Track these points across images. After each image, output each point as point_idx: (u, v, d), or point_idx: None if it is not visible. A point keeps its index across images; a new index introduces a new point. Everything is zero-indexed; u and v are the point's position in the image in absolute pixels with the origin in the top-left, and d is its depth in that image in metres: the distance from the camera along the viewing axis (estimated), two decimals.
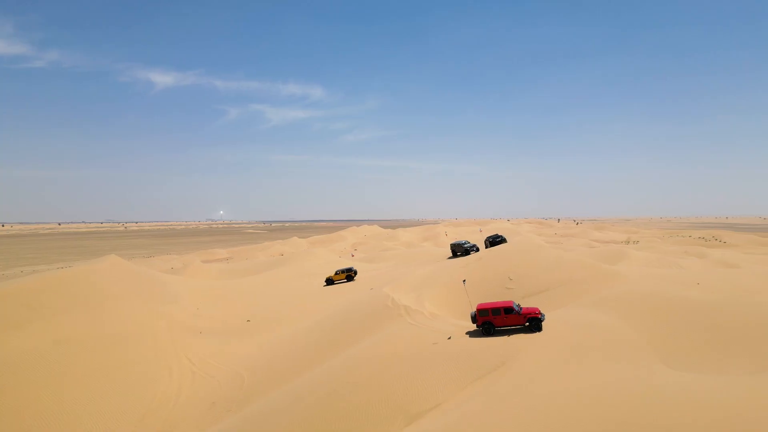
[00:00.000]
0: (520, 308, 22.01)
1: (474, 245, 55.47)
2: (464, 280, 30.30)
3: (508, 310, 21.51)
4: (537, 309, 21.95)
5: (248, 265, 74.45)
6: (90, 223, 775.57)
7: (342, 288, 46.53)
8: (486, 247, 54.36)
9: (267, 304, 41.95)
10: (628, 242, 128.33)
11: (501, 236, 57.09)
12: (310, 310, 36.85)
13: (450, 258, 55.17)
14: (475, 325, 22.20)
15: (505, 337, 20.38)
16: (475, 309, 22.50)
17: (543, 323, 21.55)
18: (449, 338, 21.16)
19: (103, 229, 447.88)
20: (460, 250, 55.75)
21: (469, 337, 21.28)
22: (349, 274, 50.77)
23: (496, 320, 21.50)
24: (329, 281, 50.04)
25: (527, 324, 21.36)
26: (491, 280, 34.19)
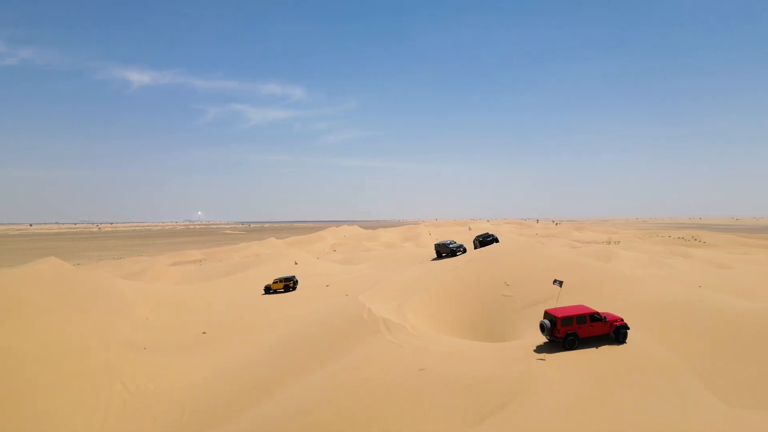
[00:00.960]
0: (605, 316, 18.55)
1: (461, 246, 51.19)
2: (559, 281, 22.30)
3: (594, 317, 18.20)
4: (620, 317, 18.69)
5: (219, 267, 69.87)
6: (63, 224, 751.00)
7: (314, 294, 42.32)
8: (475, 248, 50.13)
9: (229, 312, 38.04)
10: (609, 242, 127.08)
11: (492, 235, 52.20)
12: (276, 321, 32.45)
13: (434, 260, 51.10)
14: (547, 337, 18.54)
15: (507, 362, 16.79)
16: (552, 317, 18.42)
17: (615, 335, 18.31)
18: (421, 369, 16.97)
19: (76, 230, 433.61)
20: (445, 250, 51.54)
21: (461, 360, 17.47)
22: (287, 284, 46.37)
23: (582, 330, 18.06)
24: (267, 289, 46.38)
25: (612, 334, 18.19)
26: (484, 286, 29.34)
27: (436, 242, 55.94)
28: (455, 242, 52.53)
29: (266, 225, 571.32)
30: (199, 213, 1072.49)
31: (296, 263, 57.90)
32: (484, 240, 51.12)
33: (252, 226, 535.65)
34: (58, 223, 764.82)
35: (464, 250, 50.01)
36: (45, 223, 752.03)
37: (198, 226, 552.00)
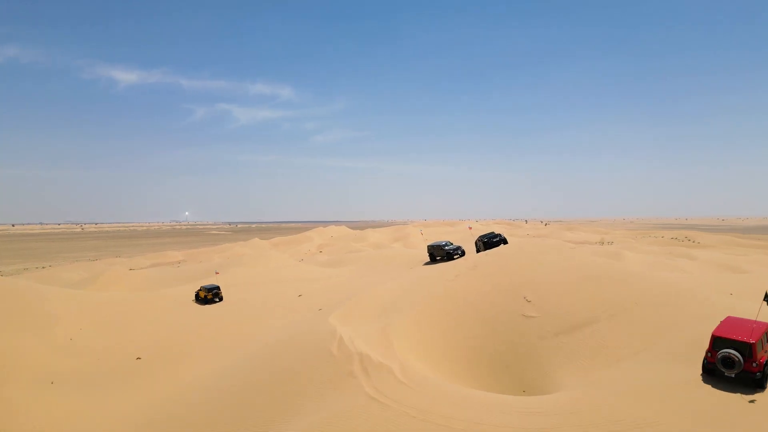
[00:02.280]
0: None
1: (458, 247, 45.25)
2: None
3: None
4: None
5: (191, 270, 65.40)
6: (47, 224, 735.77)
7: (281, 305, 35.90)
8: (478, 250, 43.36)
9: (177, 329, 32.16)
10: (602, 243, 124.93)
11: (500, 235, 43.87)
12: (229, 342, 27.75)
13: (427, 264, 45.32)
14: (730, 373, 12.78)
15: None
16: (739, 343, 12.89)
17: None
18: None
19: (59, 230, 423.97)
20: (440, 253, 45.45)
21: None
22: (206, 295, 41.54)
23: None
24: (197, 297, 42.43)
25: None
26: (496, 303, 22.09)
27: (430, 243, 49.78)
28: (451, 243, 46.78)
29: (254, 226, 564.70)
30: (187, 213, 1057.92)
31: (217, 273, 51.81)
32: (490, 241, 43.17)
33: (239, 226, 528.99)
34: (42, 224, 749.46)
35: (462, 253, 44.56)
36: (29, 224, 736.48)
37: (184, 227, 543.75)
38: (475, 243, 45.68)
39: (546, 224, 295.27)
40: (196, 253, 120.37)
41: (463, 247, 47.06)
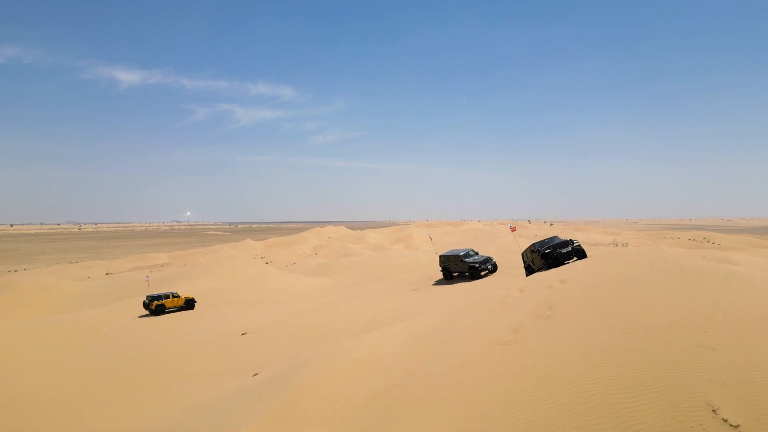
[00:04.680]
0: None
1: (487, 259, 32.83)
2: None
3: None
4: None
5: (158, 278, 56.42)
6: (48, 224, 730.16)
7: (206, 351, 22.29)
8: (530, 270, 26.75)
9: (75, 371, 21.77)
10: (616, 244, 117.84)
11: (573, 242, 25.35)
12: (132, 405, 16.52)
13: (439, 283, 32.05)
14: None
15: None
16: None
17: None
18: None
19: (57, 230, 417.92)
20: (459, 267, 32.48)
21: None
22: (150, 306, 37.06)
23: None
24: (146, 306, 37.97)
25: None
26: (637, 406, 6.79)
27: (443, 253, 35.67)
28: (475, 252, 33.94)
29: (254, 226, 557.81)
30: (188, 213, 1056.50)
31: (147, 279, 44.94)
32: (557, 252, 24.61)
33: (239, 226, 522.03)
34: (43, 224, 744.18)
35: (494, 268, 32.68)
36: (30, 224, 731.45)
37: (183, 227, 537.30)
38: (524, 255, 28.47)
39: (551, 225, 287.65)
40: (183, 256, 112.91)
41: (494, 260, 33.93)
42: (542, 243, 26.81)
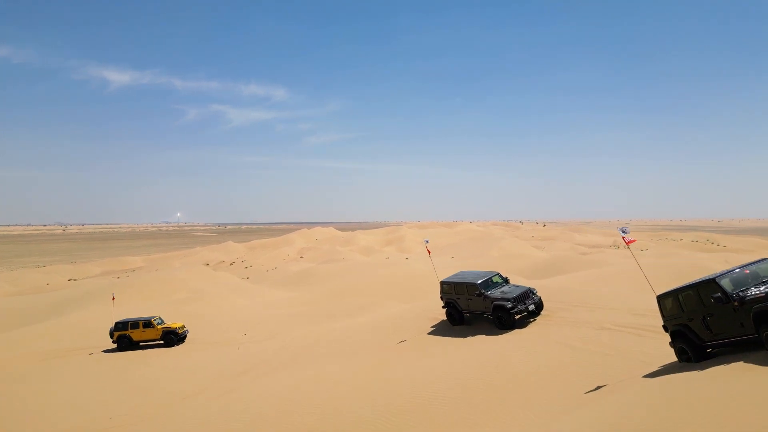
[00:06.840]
0: None
1: (527, 294, 19.21)
2: None
3: None
4: None
5: (90, 288, 47.36)
6: (33, 225, 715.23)
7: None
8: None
9: None
10: (618, 247, 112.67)
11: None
12: None
13: (435, 331, 20.40)
14: None
15: None
16: None
17: None
18: None
19: (40, 232, 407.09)
20: (476, 304, 19.64)
21: None
22: (115, 335, 27.80)
23: None
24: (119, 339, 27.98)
25: None
26: None
27: (447, 278, 21.84)
28: (504, 280, 20.91)
29: (243, 227, 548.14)
30: (178, 214, 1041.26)
31: (114, 298, 34.27)
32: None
33: (228, 227, 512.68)
34: (30, 225, 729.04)
35: (538, 309, 19.37)
36: (16, 225, 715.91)
37: (171, 228, 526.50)
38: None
39: (544, 226, 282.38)
40: (159, 259, 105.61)
41: (537, 293, 20.01)
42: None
